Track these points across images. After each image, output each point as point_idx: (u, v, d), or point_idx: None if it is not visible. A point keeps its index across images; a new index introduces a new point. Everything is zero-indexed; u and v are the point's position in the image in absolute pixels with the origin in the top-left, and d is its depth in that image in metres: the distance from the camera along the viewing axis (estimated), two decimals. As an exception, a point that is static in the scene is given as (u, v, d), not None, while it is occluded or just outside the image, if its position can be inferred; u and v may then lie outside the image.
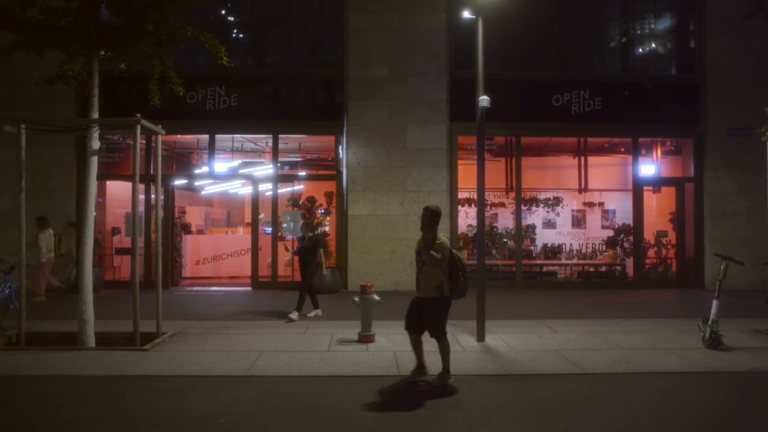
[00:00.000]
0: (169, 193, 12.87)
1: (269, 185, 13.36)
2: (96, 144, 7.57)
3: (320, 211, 13.28)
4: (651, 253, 13.73)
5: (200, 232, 16.25)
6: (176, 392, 5.54)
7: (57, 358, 6.68)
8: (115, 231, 13.55)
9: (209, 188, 17.50)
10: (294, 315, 8.98)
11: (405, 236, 12.59)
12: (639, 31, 14.31)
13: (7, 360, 6.63)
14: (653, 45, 14.44)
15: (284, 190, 13.74)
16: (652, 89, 13.45)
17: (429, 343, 7.50)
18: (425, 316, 5.83)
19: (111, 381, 5.91)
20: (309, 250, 9.31)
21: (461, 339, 7.70)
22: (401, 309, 9.88)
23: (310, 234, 9.49)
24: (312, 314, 9.30)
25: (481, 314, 7.61)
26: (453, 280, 5.73)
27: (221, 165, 14.27)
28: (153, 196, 12.31)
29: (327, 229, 13.08)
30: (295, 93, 13.56)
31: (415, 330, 5.95)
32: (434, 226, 5.83)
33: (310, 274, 9.29)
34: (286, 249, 10.44)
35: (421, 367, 5.99)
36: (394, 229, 12.61)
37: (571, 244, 14.04)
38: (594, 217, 14.28)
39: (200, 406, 5.13)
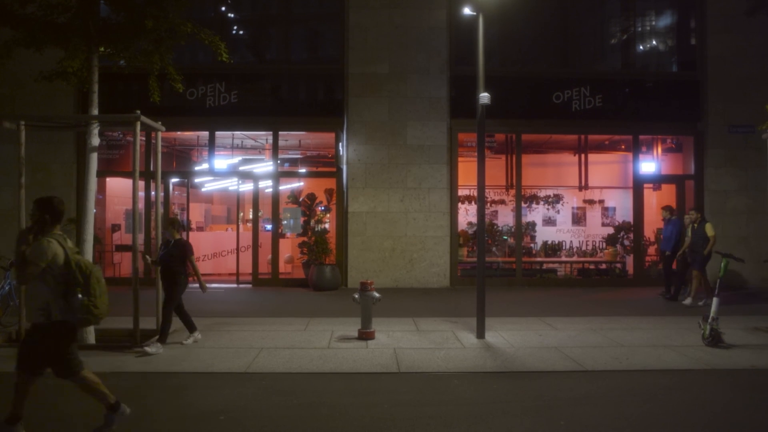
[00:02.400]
0: (170, 190, 12.85)
1: (269, 182, 13.35)
2: (96, 141, 7.57)
3: (320, 208, 13.29)
4: (651, 250, 13.71)
5: (200, 229, 16.24)
6: (176, 389, 5.55)
7: (57, 355, 6.67)
8: (115, 228, 13.54)
9: (209, 185, 17.48)
10: (153, 348, 6.80)
11: (405, 233, 12.59)
12: (640, 28, 14.27)
13: (7, 357, 6.62)
14: (654, 42, 14.40)
15: (284, 186, 13.73)
16: (653, 86, 13.42)
17: (428, 340, 7.55)
18: (39, 350, 4.19)
19: (111, 378, 5.88)
20: (176, 257, 7.22)
21: (461, 336, 7.70)
22: (402, 306, 10.02)
23: (177, 236, 7.38)
24: (189, 340, 7.34)
25: (481, 311, 7.61)
26: (68, 298, 4.10)
27: (221, 162, 14.25)
28: (153, 192, 12.30)
29: (327, 226, 13.07)
30: (295, 90, 13.54)
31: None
32: (43, 224, 4.18)
33: (179, 289, 7.20)
34: (145, 260, 7.69)
35: (15, 417, 4.20)
36: (394, 226, 12.60)
37: (571, 241, 14.02)
38: (594, 215, 14.26)
39: (200, 402, 5.14)
